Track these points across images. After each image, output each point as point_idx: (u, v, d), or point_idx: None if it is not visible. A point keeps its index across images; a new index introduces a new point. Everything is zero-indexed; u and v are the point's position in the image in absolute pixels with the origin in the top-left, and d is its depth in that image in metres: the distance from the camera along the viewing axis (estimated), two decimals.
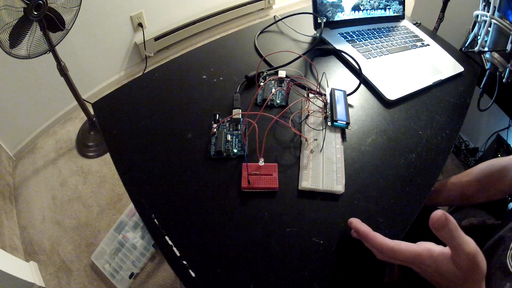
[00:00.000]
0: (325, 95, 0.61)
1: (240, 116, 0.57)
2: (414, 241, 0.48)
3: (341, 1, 0.77)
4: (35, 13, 0.89)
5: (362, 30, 0.79)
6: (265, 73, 0.66)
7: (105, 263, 1.06)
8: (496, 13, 0.64)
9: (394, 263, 0.35)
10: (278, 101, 0.61)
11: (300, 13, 0.82)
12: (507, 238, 0.40)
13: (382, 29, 0.81)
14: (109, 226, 1.15)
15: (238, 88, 0.63)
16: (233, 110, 0.58)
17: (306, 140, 0.54)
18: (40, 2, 0.87)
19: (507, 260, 0.37)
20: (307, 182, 0.49)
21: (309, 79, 0.67)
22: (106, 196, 1.25)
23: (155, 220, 0.45)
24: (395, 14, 0.85)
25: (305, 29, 0.79)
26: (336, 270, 0.41)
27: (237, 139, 0.54)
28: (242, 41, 0.76)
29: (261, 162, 0.49)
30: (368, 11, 0.81)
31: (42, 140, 1.43)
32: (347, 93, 0.62)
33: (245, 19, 2.05)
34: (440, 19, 0.93)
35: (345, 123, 0.56)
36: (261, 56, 0.72)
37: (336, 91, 0.61)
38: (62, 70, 1.12)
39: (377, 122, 0.60)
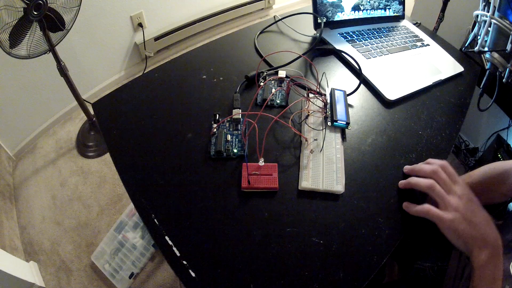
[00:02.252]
0: (325, 95, 0.61)
1: (240, 116, 0.57)
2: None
3: (341, 1, 0.77)
4: (35, 13, 0.89)
5: (362, 30, 0.79)
6: (265, 73, 0.66)
7: (105, 263, 1.06)
8: (496, 13, 0.64)
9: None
10: (278, 101, 0.61)
11: (300, 13, 0.82)
12: None
13: (382, 29, 0.81)
14: (109, 226, 1.15)
15: (238, 88, 0.63)
16: (233, 110, 0.58)
17: (306, 140, 0.54)
18: (40, 2, 0.87)
19: (510, 266, 0.39)
20: (307, 182, 0.49)
21: (309, 79, 0.67)
22: (106, 196, 1.25)
23: (155, 220, 0.45)
24: (395, 14, 0.85)
25: (305, 29, 0.79)
26: (336, 270, 0.41)
27: (237, 139, 0.54)
28: (242, 41, 0.76)
29: (261, 162, 0.49)
30: (368, 11, 0.81)
31: (42, 140, 1.43)
32: (347, 93, 0.62)
33: (245, 19, 2.05)
34: (440, 19, 0.93)
35: (345, 123, 0.56)
36: (261, 56, 0.72)
37: (336, 91, 0.61)
38: (62, 70, 1.12)
39: (377, 122, 0.60)
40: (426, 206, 0.42)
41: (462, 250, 0.42)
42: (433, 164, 0.46)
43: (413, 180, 0.45)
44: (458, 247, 0.42)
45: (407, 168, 0.50)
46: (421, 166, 0.46)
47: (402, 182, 0.48)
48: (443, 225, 0.41)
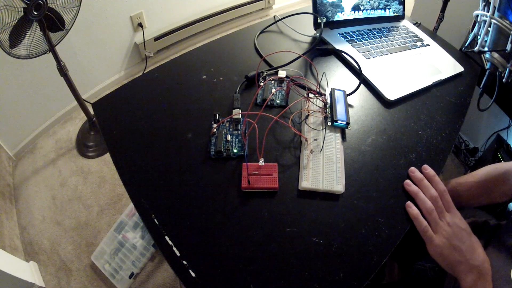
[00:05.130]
0: (325, 95, 0.61)
1: (240, 116, 0.57)
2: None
3: (341, 1, 0.77)
4: (35, 13, 0.89)
5: (362, 30, 0.79)
6: (265, 73, 0.66)
7: (105, 263, 1.06)
8: (496, 13, 0.64)
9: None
10: (278, 101, 0.61)
11: (300, 13, 0.82)
12: None
13: (382, 29, 0.81)
14: (109, 226, 1.15)
15: (238, 88, 0.63)
16: (233, 110, 0.58)
17: (306, 140, 0.54)
18: (40, 2, 0.87)
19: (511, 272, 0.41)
20: (307, 182, 0.49)
21: (309, 79, 0.67)
22: (106, 196, 1.25)
23: (155, 220, 0.45)
24: (395, 14, 0.85)
25: (305, 29, 0.79)
26: (336, 270, 0.41)
27: (237, 139, 0.54)
28: (242, 41, 0.76)
29: (261, 162, 0.49)
30: (368, 11, 0.81)
31: (42, 140, 1.43)
32: (347, 93, 0.62)
33: (245, 19, 2.05)
34: (440, 19, 0.93)
35: (345, 123, 0.56)
36: (261, 56, 0.72)
37: (336, 91, 0.61)
38: (62, 70, 1.12)
39: (377, 122, 0.60)
40: (425, 224, 0.46)
41: (450, 273, 0.45)
42: (436, 187, 0.49)
43: (420, 196, 0.48)
44: (446, 269, 0.45)
45: (416, 177, 0.51)
46: (427, 185, 0.50)
47: (411, 186, 0.50)
48: (431, 247, 0.45)
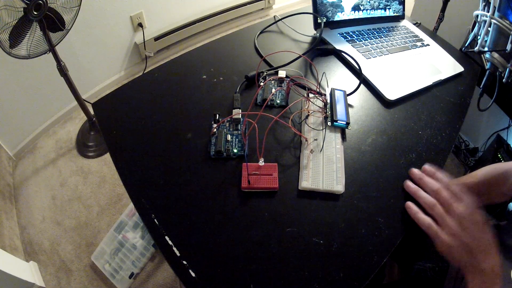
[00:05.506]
0: (325, 95, 0.61)
1: (240, 116, 0.57)
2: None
3: (341, 1, 0.77)
4: (35, 13, 0.89)
5: (362, 30, 0.79)
6: (265, 73, 0.66)
7: (105, 263, 1.06)
8: (496, 13, 0.64)
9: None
10: (278, 101, 0.61)
11: (300, 13, 0.82)
12: None
13: (382, 29, 0.81)
14: (109, 226, 1.15)
15: (238, 88, 0.63)
16: (233, 110, 0.58)
17: (306, 140, 0.54)
18: (40, 2, 0.87)
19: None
20: (307, 182, 0.49)
21: (309, 79, 0.67)
22: (106, 196, 1.25)
23: (155, 220, 0.45)
24: (395, 14, 0.85)
25: (305, 29, 0.79)
26: (336, 270, 0.41)
27: (237, 139, 0.54)
28: (242, 41, 0.76)
29: (261, 162, 0.49)
30: (368, 11, 0.81)
31: (42, 140, 1.43)
32: (347, 93, 0.62)
33: (245, 19, 2.05)
34: (440, 19, 0.93)
35: (345, 123, 0.56)
36: (261, 56, 0.72)
37: (336, 91, 0.61)
38: (62, 70, 1.12)
39: (377, 122, 0.60)
40: (428, 221, 0.43)
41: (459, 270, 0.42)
42: (439, 181, 0.47)
43: (419, 194, 0.46)
44: (455, 266, 0.43)
45: (415, 175, 0.50)
46: (427, 180, 0.47)
47: (410, 186, 0.49)
48: (440, 246, 0.42)
